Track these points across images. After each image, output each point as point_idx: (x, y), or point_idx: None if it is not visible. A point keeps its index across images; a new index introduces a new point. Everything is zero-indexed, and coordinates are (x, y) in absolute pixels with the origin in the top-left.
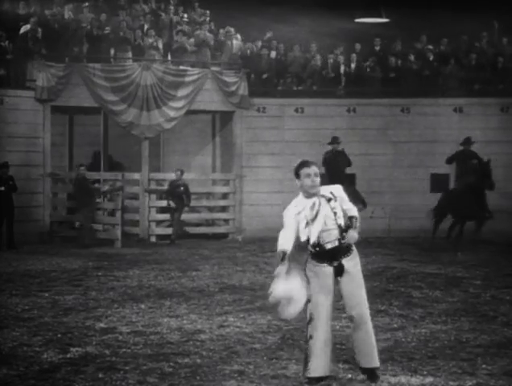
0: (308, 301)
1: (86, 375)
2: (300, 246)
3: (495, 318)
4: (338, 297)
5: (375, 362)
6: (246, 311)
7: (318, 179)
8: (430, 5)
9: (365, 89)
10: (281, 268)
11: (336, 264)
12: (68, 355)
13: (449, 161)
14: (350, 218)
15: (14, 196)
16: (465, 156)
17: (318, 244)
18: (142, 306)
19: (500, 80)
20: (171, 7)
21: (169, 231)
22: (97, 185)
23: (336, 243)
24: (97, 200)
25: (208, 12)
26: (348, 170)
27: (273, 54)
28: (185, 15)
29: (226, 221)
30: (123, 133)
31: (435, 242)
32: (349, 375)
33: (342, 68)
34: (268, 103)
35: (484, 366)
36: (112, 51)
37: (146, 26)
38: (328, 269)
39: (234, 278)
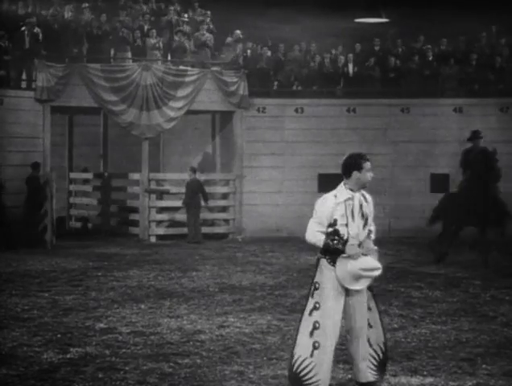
0: (315, 308)
1: (86, 375)
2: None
3: (495, 318)
4: None
5: (372, 376)
6: (246, 311)
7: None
8: (430, 5)
9: (365, 89)
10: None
11: None
12: (68, 356)
13: (464, 166)
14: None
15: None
16: (476, 155)
17: (344, 243)
18: (142, 307)
19: (499, 80)
20: (172, 7)
21: (169, 231)
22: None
23: (358, 248)
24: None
25: (209, 12)
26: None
27: (272, 54)
28: (185, 15)
29: (226, 221)
30: (123, 134)
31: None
32: (349, 376)
33: (342, 68)
34: (268, 103)
35: (484, 366)
36: (112, 52)
37: (146, 27)
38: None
39: (234, 278)
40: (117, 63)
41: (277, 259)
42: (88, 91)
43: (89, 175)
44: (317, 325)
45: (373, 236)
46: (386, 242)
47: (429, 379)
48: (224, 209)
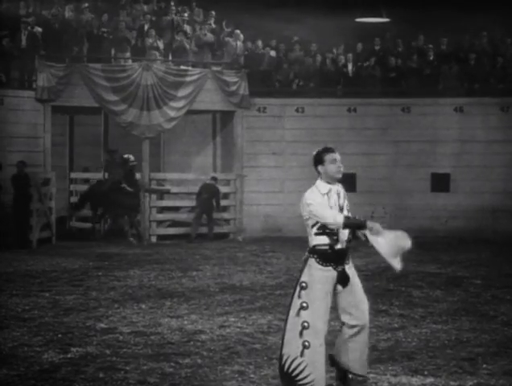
0: (302, 308)
1: (87, 375)
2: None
3: (495, 317)
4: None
5: (366, 369)
6: (247, 311)
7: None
8: (430, 4)
9: (365, 89)
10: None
11: (340, 269)
12: (69, 355)
13: None
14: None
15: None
16: None
17: (335, 239)
18: (143, 306)
19: (500, 80)
20: (173, 7)
21: (170, 231)
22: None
23: (345, 244)
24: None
25: (213, 13)
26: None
27: (273, 53)
28: (186, 15)
29: (227, 221)
30: (124, 133)
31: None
32: (349, 376)
33: (343, 68)
34: (269, 103)
35: (484, 365)
36: (112, 51)
37: (146, 27)
38: (331, 274)
39: (235, 278)
40: (118, 62)
41: (277, 259)
42: (88, 91)
43: (90, 175)
44: (306, 324)
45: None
46: None
47: (430, 379)
48: (224, 209)
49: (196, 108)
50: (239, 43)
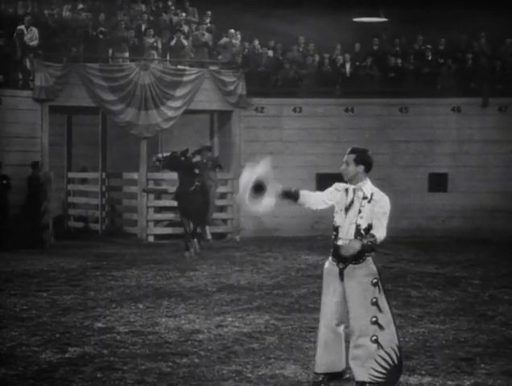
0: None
1: (84, 374)
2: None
3: (493, 317)
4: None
5: (368, 376)
6: (244, 311)
7: (346, 167)
8: (428, 4)
9: (363, 89)
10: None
11: (341, 266)
12: (67, 355)
13: None
14: (367, 232)
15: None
16: None
17: (335, 235)
18: (141, 306)
19: (498, 80)
20: (172, 8)
21: (167, 230)
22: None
23: (347, 242)
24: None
25: (209, 13)
26: None
27: (271, 53)
28: (183, 14)
29: (224, 221)
30: (122, 133)
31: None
32: (348, 375)
33: (340, 68)
34: (266, 102)
35: (482, 365)
36: (110, 51)
37: (143, 26)
38: (333, 269)
39: (232, 278)
40: (115, 62)
41: (275, 259)
42: (86, 90)
43: (88, 175)
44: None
45: (364, 241)
46: (383, 242)
47: (427, 379)
48: (222, 209)
49: (194, 107)
50: (238, 43)
